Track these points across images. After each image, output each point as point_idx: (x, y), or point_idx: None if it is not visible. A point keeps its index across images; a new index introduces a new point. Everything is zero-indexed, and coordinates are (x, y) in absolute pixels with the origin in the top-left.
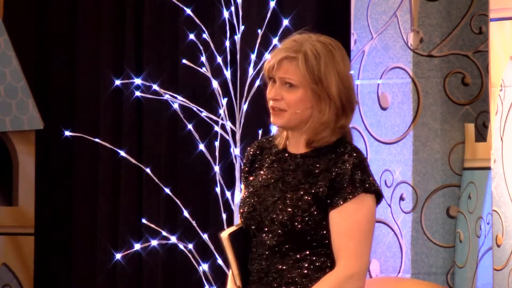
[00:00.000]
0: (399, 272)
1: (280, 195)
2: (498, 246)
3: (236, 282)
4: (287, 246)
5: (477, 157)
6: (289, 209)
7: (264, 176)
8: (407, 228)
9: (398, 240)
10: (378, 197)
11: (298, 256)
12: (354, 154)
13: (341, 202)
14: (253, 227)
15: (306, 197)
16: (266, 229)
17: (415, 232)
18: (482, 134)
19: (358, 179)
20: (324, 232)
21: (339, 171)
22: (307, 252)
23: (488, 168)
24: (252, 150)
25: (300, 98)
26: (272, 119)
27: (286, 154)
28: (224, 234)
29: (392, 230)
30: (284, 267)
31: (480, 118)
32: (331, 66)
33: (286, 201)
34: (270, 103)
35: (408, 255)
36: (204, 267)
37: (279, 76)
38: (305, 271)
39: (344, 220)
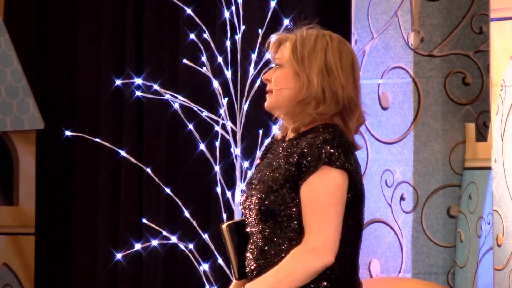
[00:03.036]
0: (399, 272)
1: (261, 179)
2: (499, 246)
3: (234, 273)
4: (268, 231)
5: (477, 157)
6: (262, 189)
7: (259, 166)
8: (407, 228)
9: (398, 240)
10: (351, 175)
11: (280, 240)
12: (328, 130)
13: (307, 176)
14: (247, 215)
15: (278, 177)
16: (250, 212)
17: (415, 232)
18: (482, 134)
19: (324, 153)
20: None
21: (308, 145)
22: (290, 236)
23: (489, 168)
24: (269, 142)
25: (282, 75)
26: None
27: (281, 142)
28: (224, 225)
29: (393, 230)
30: (271, 253)
31: (480, 118)
32: (320, 52)
33: (262, 183)
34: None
35: (409, 255)
36: (205, 267)
37: (272, 58)
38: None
39: (308, 194)
